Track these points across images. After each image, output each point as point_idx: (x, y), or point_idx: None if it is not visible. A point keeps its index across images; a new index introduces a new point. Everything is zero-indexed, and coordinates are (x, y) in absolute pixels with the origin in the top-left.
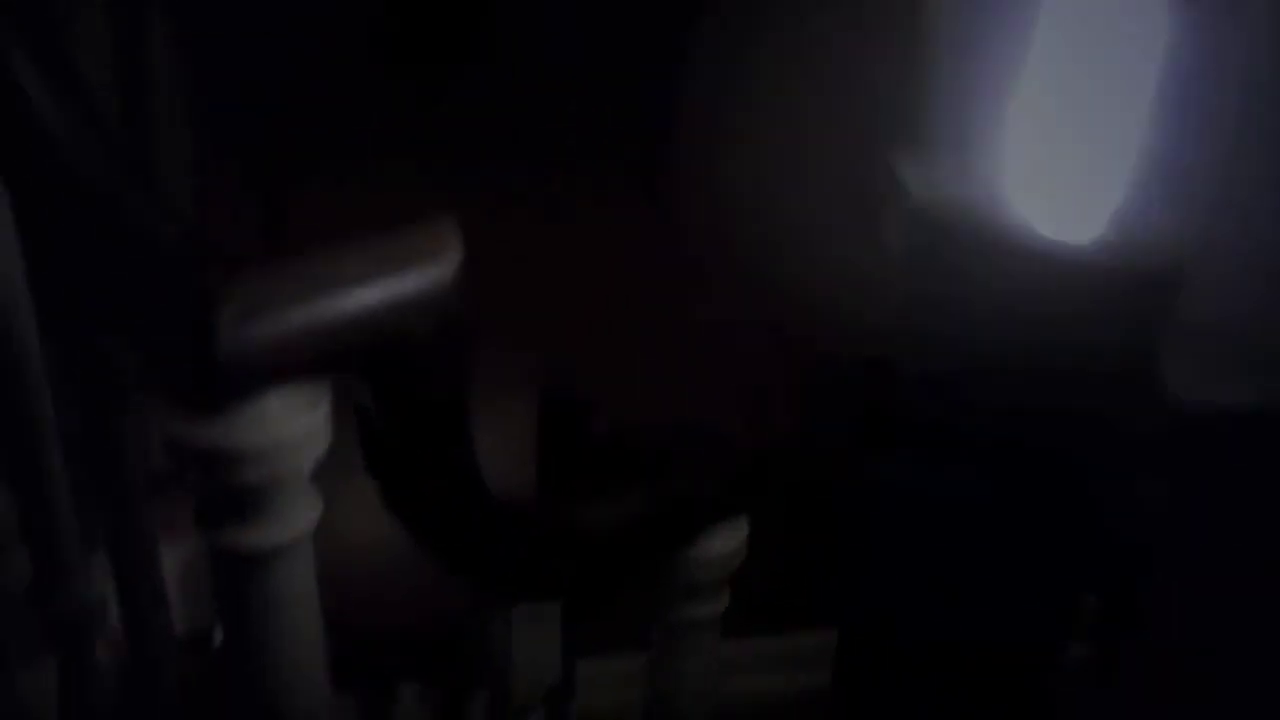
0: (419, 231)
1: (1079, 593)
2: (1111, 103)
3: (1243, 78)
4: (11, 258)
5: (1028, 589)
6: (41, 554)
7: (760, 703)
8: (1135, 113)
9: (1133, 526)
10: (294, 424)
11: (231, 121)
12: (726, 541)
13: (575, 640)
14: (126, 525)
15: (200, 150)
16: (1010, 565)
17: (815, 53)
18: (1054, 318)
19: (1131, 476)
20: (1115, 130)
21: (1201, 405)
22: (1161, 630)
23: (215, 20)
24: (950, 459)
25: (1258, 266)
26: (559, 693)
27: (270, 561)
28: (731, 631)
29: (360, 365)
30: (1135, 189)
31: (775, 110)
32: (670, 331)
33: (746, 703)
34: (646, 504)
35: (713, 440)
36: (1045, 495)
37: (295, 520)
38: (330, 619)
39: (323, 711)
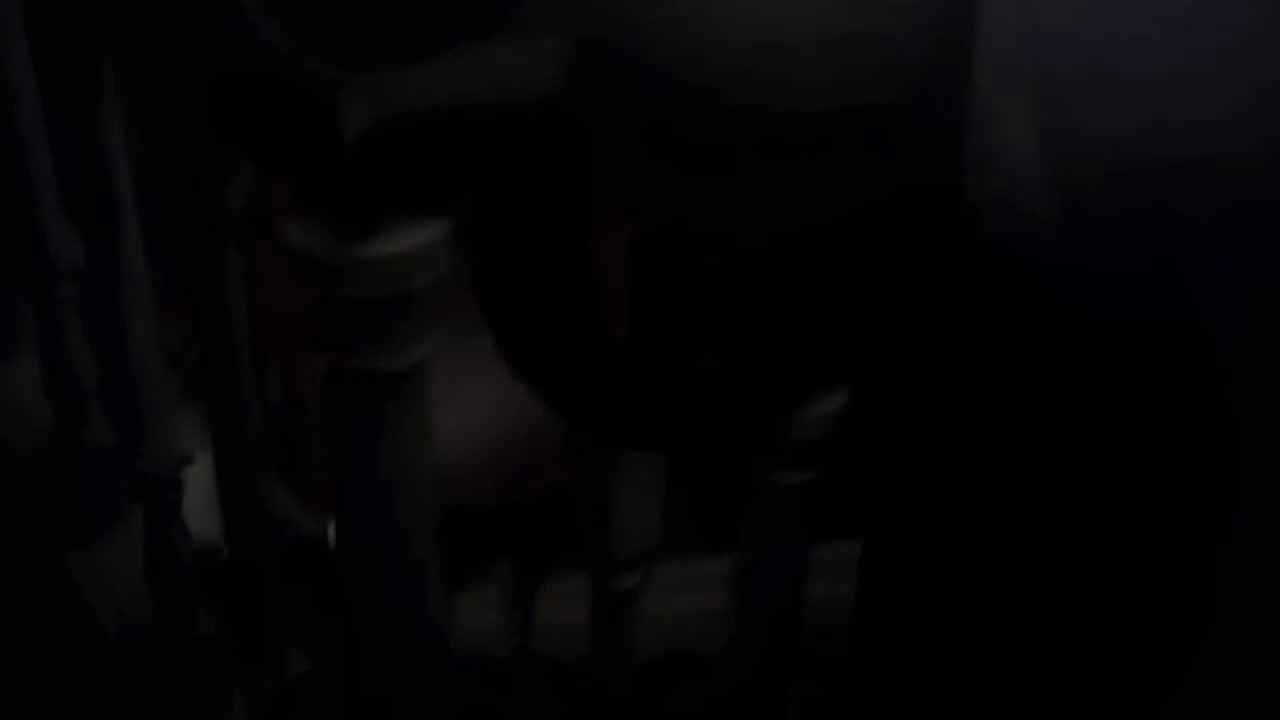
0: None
1: None
2: None
3: None
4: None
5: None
6: (126, 412)
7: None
8: None
9: None
10: (416, 237)
11: None
12: (827, 403)
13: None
14: (227, 380)
15: None
16: None
17: None
18: None
19: None
20: None
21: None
22: None
23: None
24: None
25: None
26: (653, 555)
27: (390, 385)
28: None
29: (480, 171)
30: None
31: None
32: None
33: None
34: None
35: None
36: None
37: (414, 343)
38: None
39: (433, 550)
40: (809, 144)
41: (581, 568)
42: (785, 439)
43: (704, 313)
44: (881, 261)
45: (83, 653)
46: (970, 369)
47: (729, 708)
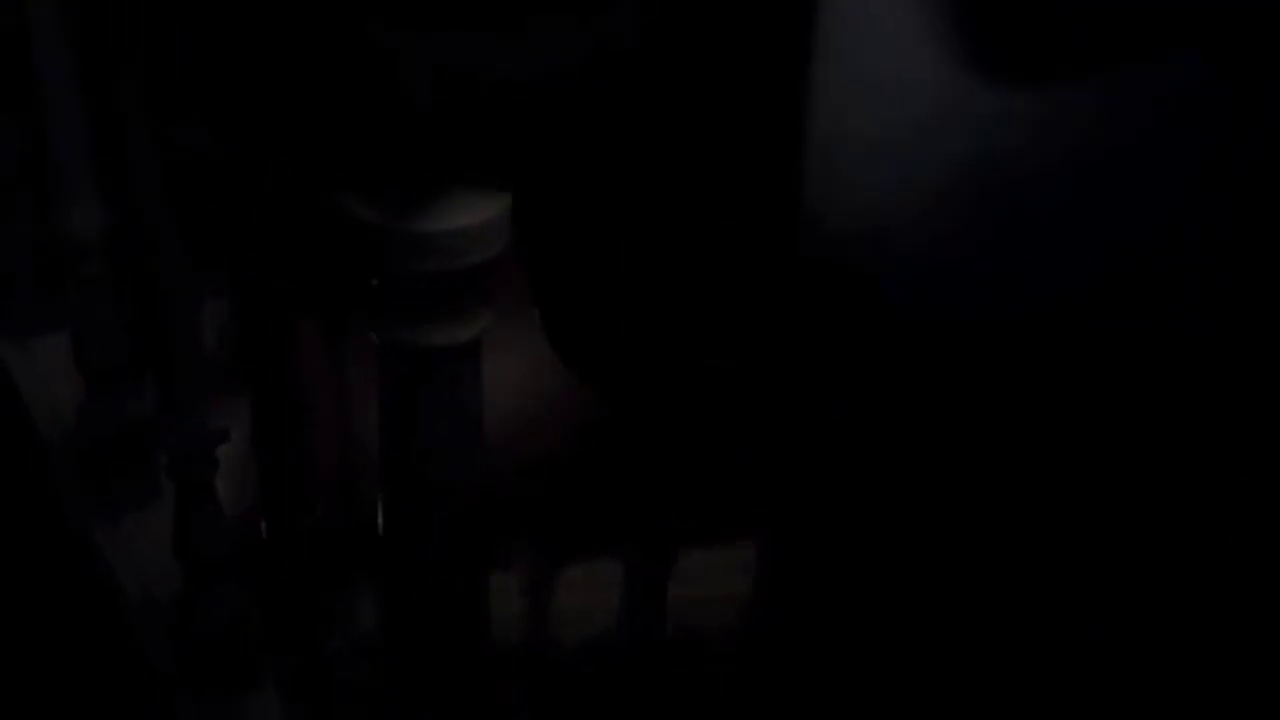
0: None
1: None
2: None
3: None
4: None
5: None
6: (165, 384)
7: None
8: None
9: None
10: (481, 212)
11: None
12: None
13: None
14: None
15: None
16: None
17: None
18: None
19: None
20: None
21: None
22: None
23: None
24: None
25: None
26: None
27: (444, 361)
28: None
29: (546, 142)
30: None
31: None
32: None
33: None
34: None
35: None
36: None
37: (472, 318)
38: None
39: (476, 529)
40: None
41: (603, 554)
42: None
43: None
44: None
45: (108, 631)
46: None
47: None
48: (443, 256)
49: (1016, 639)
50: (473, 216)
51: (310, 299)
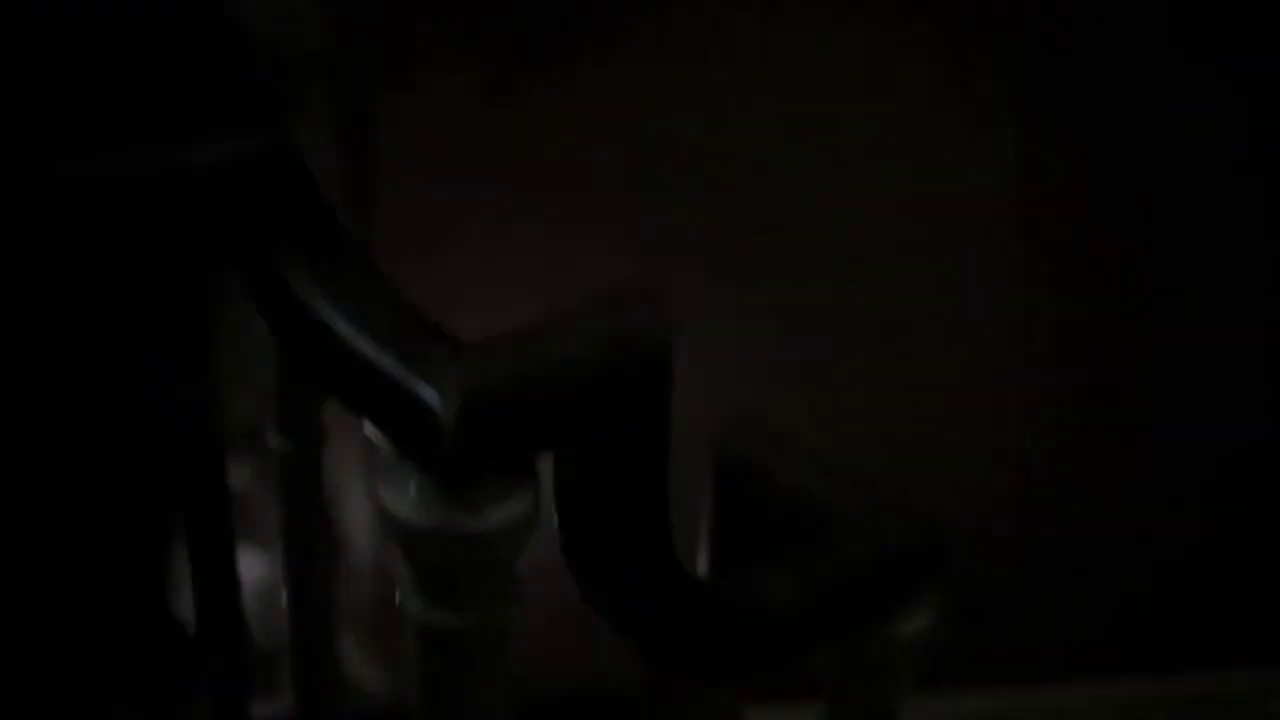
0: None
1: None
2: None
3: None
4: None
5: None
6: (206, 612)
7: None
8: None
9: None
10: (512, 510)
11: None
12: (914, 620)
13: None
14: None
15: None
16: None
17: None
18: None
19: None
20: None
21: None
22: None
23: None
24: None
25: None
26: None
27: (468, 642)
28: None
29: (572, 431)
30: None
31: None
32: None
33: None
34: (830, 573)
35: (899, 500)
36: None
37: (500, 603)
38: None
39: None
40: None
41: None
42: (863, 658)
43: (782, 537)
44: None
45: None
46: None
47: None
48: (475, 553)
49: None
50: (506, 514)
51: None
